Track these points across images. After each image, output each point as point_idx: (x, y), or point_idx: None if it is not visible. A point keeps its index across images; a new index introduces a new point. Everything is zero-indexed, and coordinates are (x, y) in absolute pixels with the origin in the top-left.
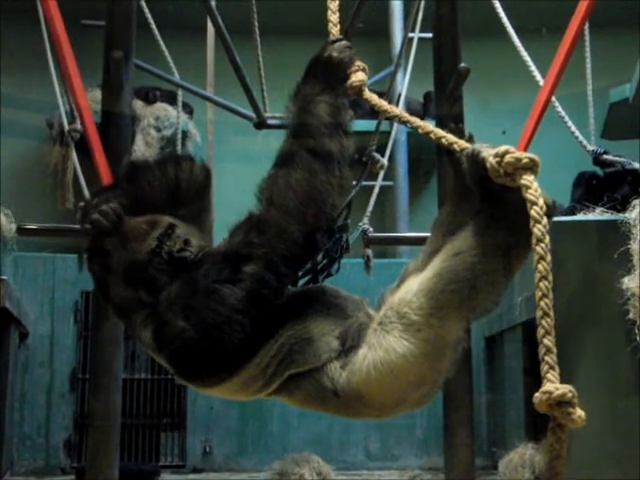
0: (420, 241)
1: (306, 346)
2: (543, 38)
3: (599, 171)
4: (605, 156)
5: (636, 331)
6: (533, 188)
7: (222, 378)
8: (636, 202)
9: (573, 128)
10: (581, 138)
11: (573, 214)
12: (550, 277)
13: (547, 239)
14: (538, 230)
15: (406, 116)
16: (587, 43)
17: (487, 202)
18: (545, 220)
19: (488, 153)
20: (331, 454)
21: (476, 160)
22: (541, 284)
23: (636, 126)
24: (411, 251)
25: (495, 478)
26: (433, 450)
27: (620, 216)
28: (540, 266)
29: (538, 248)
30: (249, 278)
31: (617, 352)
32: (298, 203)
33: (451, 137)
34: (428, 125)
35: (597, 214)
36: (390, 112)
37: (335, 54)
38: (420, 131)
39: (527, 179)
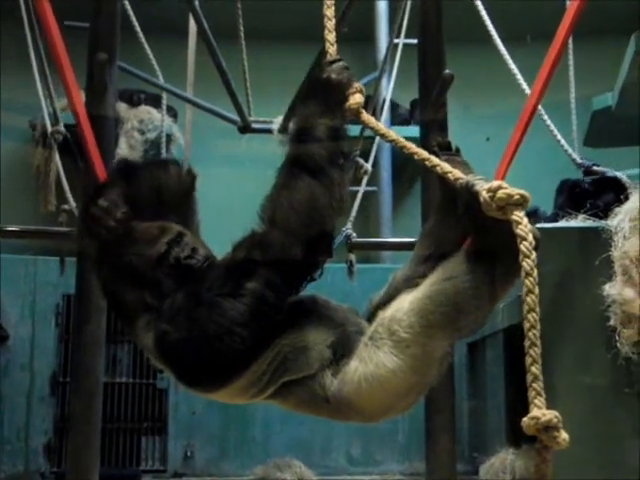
0: (403, 246)
1: (300, 355)
2: (527, 45)
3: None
4: (595, 167)
5: (617, 338)
6: (523, 224)
7: (221, 385)
8: (618, 209)
9: (559, 137)
10: (567, 147)
11: (555, 221)
12: (538, 309)
13: (535, 273)
14: (527, 264)
15: (402, 141)
16: (570, 51)
17: (479, 232)
18: (534, 255)
19: (481, 187)
20: (313, 459)
21: (469, 192)
22: (529, 316)
23: (618, 134)
24: (394, 256)
25: None
26: (415, 455)
27: (602, 223)
28: (529, 299)
29: (527, 282)
30: (250, 294)
31: (598, 358)
32: (300, 224)
33: (446, 166)
34: (424, 152)
35: (579, 221)
36: (387, 136)
37: (334, 76)
38: (416, 157)
39: (518, 215)
